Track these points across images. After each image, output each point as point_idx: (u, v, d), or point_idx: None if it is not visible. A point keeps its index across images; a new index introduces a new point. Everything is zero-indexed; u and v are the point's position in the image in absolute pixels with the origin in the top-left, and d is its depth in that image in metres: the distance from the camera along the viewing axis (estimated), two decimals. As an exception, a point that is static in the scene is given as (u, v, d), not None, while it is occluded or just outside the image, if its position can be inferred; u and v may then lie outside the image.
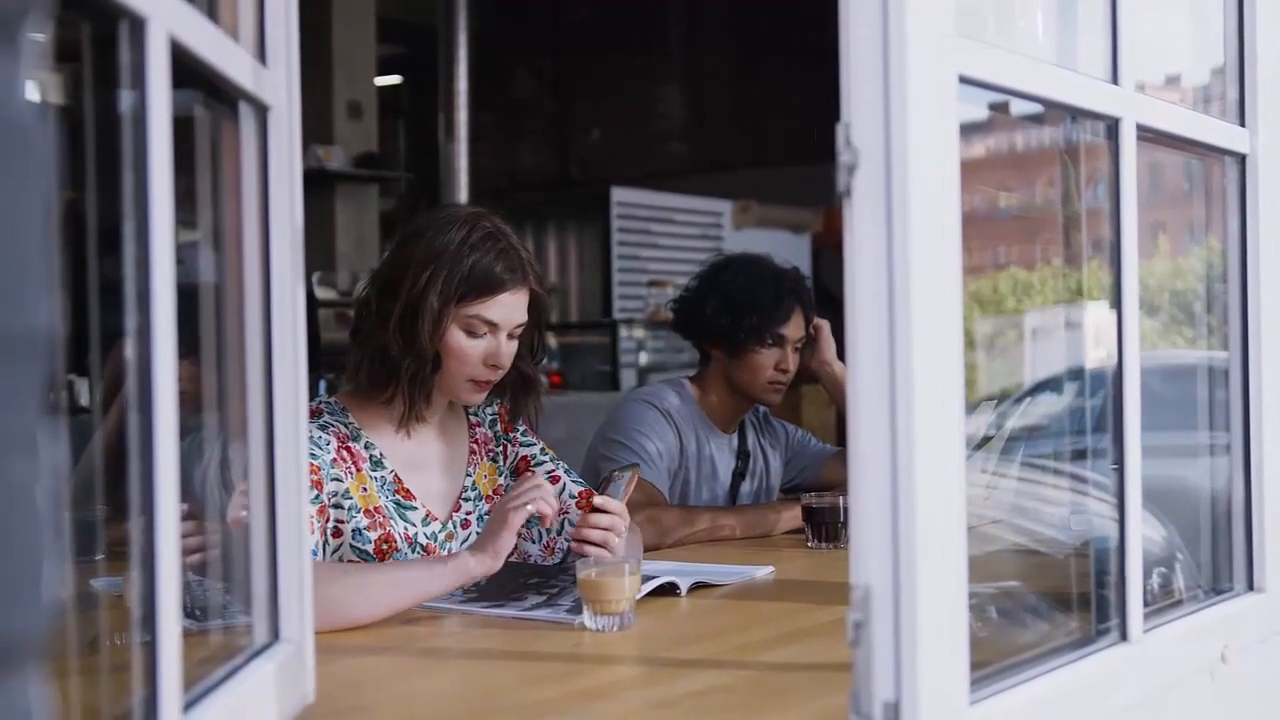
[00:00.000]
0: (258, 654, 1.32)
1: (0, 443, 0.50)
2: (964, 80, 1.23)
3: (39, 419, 0.53)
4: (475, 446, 2.37)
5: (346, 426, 2.21)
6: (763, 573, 2.33)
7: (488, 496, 2.34)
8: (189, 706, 1.08)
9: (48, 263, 0.53)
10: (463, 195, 8.26)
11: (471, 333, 2.18)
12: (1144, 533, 1.53)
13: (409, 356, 2.16)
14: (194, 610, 1.35)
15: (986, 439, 2.03)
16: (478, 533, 2.28)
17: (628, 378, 7.18)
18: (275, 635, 1.36)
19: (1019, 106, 1.49)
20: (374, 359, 2.19)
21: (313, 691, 1.42)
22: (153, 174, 1.00)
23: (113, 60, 1.00)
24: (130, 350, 0.99)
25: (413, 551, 2.20)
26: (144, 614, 1.00)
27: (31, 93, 0.55)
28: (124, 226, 1.00)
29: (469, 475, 2.34)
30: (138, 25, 0.99)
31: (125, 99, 1.01)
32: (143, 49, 1.00)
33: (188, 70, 1.10)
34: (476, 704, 1.57)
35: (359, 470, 2.18)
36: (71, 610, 1.08)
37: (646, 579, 2.03)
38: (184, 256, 1.08)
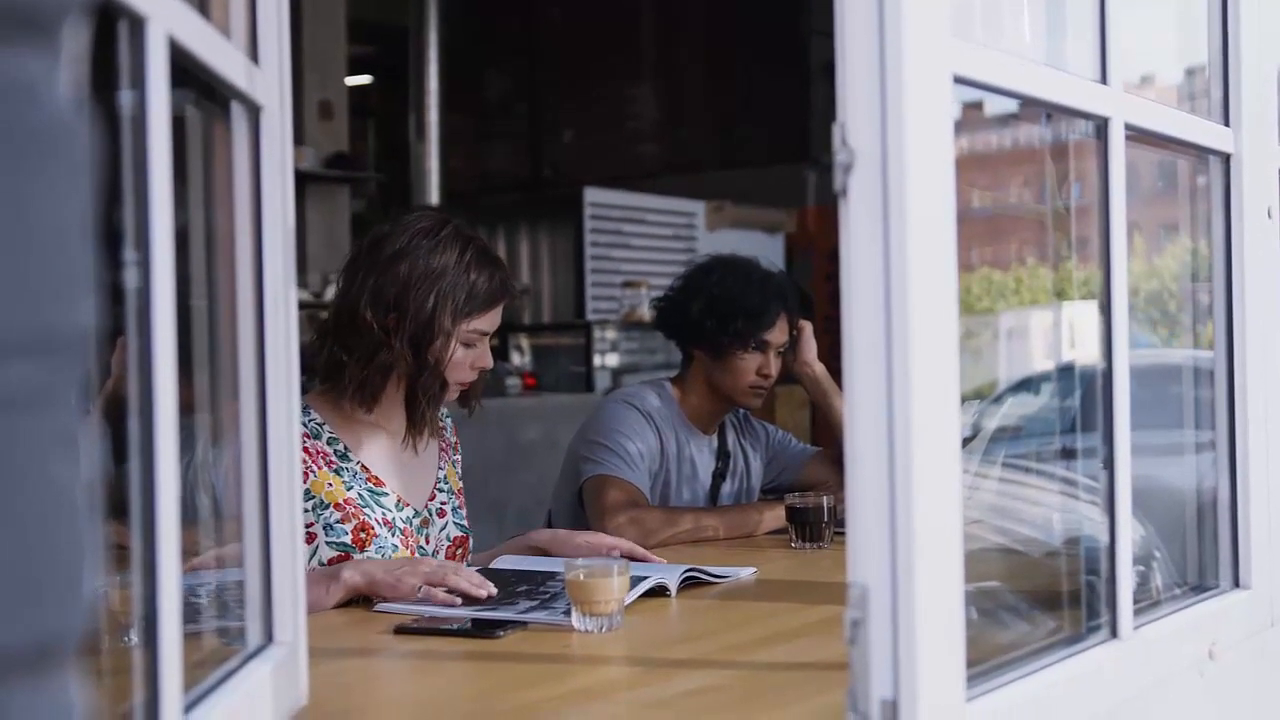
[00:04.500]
0: (253, 656, 1.31)
1: (43, 442, 0.50)
2: (959, 80, 1.24)
3: (79, 418, 0.53)
4: (443, 444, 2.43)
5: (306, 425, 2.22)
6: (747, 573, 2.34)
7: (457, 491, 2.41)
8: (188, 709, 1.07)
9: (89, 262, 0.53)
10: (434, 197, 8.24)
11: (469, 345, 2.26)
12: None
13: (423, 375, 2.22)
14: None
15: (967, 439, 2.04)
16: (455, 523, 2.37)
17: (602, 379, 7.17)
18: (269, 638, 1.36)
19: (993, 105, 1.49)
20: (380, 375, 2.22)
21: (306, 694, 1.42)
22: (152, 173, 0.99)
23: (109, 59, 0.99)
24: (130, 351, 0.99)
25: (391, 535, 2.22)
26: (145, 616, 0.99)
27: (71, 91, 0.54)
28: (121, 226, 0.99)
29: (440, 469, 2.39)
30: (137, 24, 0.98)
31: (124, 98, 1.00)
32: (142, 48, 0.99)
33: (181, 70, 1.09)
34: (468, 706, 1.56)
35: (323, 467, 2.20)
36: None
37: (636, 580, 2.02)
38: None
